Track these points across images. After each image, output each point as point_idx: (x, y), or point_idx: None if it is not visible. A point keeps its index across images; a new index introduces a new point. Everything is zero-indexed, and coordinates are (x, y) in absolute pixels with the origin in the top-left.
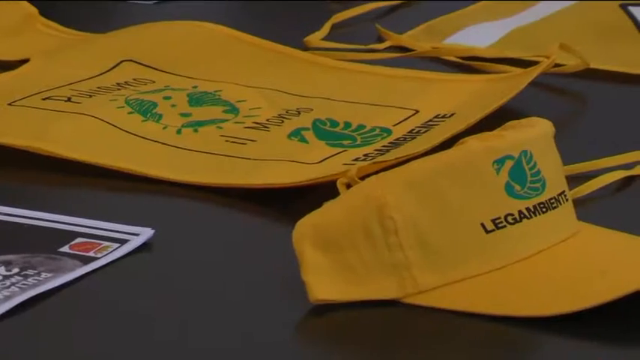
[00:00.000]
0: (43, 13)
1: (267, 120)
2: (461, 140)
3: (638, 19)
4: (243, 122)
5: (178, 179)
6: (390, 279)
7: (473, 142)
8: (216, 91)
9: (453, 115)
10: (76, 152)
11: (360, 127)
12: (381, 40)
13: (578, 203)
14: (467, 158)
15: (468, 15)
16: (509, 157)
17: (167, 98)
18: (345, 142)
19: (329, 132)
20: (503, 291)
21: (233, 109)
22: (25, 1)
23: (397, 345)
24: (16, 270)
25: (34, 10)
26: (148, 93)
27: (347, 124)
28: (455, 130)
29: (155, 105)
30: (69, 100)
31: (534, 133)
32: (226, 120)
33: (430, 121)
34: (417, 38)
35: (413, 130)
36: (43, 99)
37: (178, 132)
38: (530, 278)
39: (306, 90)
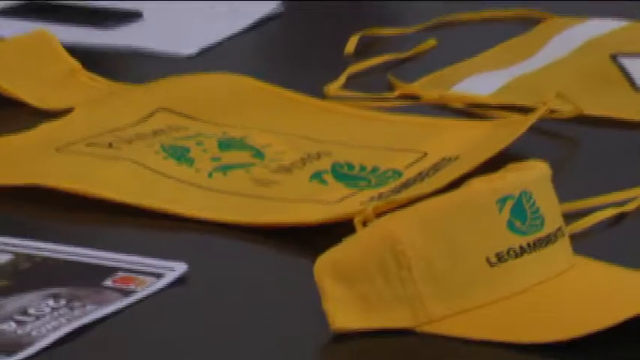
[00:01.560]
0: (87, 66)
1: (291, 163)
2: (466, 181)
3: (627, 69)
4: (269, 166)
5: (210, 218)
6: (404, 309)
7: (477, 183)
8: (243, 137)
9: (458, 157)
10: (116, 194)
11: (375, 169)
12: (392, 89)
13: (574, 238)
14: (472, 198)
15: (471, 65)
16: (511, 196)
17: (199, 144)
18: (361, 184)
19: (346, 174)
20: (507, 319)
21: (259, 154)
22: (71, 57)
23: None
24: (63, 302)
25: (78, 64)
26: (181, 139)
27: (362, 167)
28: (461, 172)
29: (188, 150)
30: (110, 146)
31: (533, 175)
32: (253, 164)
33: (438, 163)
34: (426, 87)
35: (422, 172)
36: (87, 145)
37: (209, 175)
38: (532, 307)
39: (325, 135)
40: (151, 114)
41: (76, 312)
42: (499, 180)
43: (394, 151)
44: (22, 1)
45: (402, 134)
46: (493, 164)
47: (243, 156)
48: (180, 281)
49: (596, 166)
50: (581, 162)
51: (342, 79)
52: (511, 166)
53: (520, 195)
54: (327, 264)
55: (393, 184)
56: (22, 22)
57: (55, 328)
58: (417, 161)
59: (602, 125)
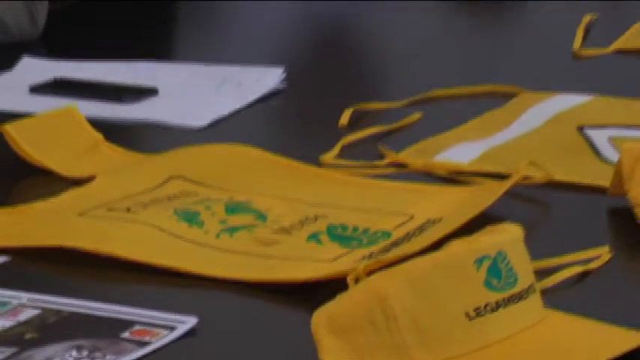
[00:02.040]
0: (108, 138)
1: (290, 225)
2: (448, 242)
3: (592, 140)
4: (270, 227)
5: (218, 275)
6: (392, 357)
7: (457, 245)
8: (248, 202)
9: (441, 219)
10: (134, 254)
11: (366, 230)
12: (382, 157)
13: (544, 293)
14: (453, 258)
15: (452, 136)
16: (487, 257)
17: (208, 208)
18: (354, 243)
19: (340, 235)
20: None
21: (262, 217)
22: (94, 129)
23: None
24: (85, 353)
25: (100, 136)
26: (192, 204)
27: (355, 229)
28: (444, 233)
29: (198, 214)
30: (128, 210)
31: (507, 237)
32: (256, 226)
33: (423, 224)
34: (412, 156)
35: (409, 232)
36: (108, 210)
37: (217, 236)
38: (507, 357)
39: (321, 200)
40: (166, 181)
41: None
42: (477, 242)
43: (384, 214)
44: (51, 79)
45: (390, 199)
46: (472, 226)
47: (247, 218)
48: (191, 333)
49: (565, 228)
50: (551, 224)
51: (337, 148)
52: (488, 229)
53: (496, 256)
54: (322, 318)
55: (382, 244)
56: (51, 98)
57: None
58: (404, 223)
59: (570, 190)
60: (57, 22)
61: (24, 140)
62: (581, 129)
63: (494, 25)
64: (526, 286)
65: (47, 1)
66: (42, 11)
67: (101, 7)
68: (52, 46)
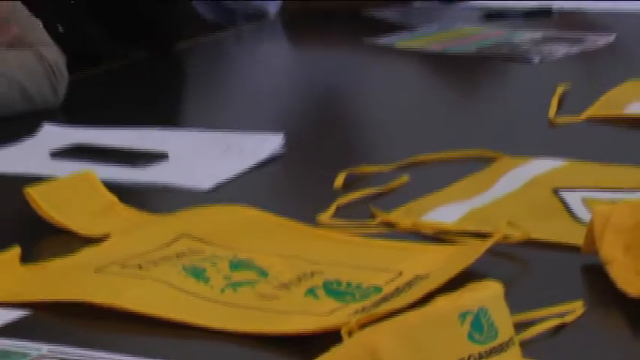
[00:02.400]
0: (122, 199)
1: (289, 281)
2: (434, 298)
3: (566, 201)
4: (271, 283)
5: (221, 327)
6: None
7: (443, 300)
8: (250, 259)
9: (428, 276)
10: (145, 308)
11: (359, 285)
12: (373, 217)
13: (523, 345)
14: (439, 313)
15: (437, 198)
16: (470, 312)
17: (213, 265)
18: (348, 298)
19: (335, 290)
20: None
21: (263, 273)
22: (108, 192)
23: None
24: None
25: (114, 198)
26: (199, 261)
27: (349, 284)
28: (430, 288)
29: (205, 270)
30: (140, 267)
31: (489, 294)
32: (258, 282)
33: (411, 280)
34: (401, 216)
35: (398, 288)
36: (121, 267)
37: (222, 291)
38: None
39: (318, 257)
40: (175, 240)
41: None
42: (461, 298)
43: (375, 270)
44: (70, 145)
45: (381, 256)
46: (457, 282)
47: (250, 275)
48: None
49: (541, 283)
50: (529, 279)
51: (332, 209)
52: (471, 286)
53: (478, 311)
54: None
55: (374, 299)
56: (70, 162)
57: None
58: (394, 279)
59: (546, 248)
60: (76, 91)
61: (45, 202)
62: (556, 191)
63: (476, 93)
64: (506, 338)
65: (67, 73)
66: (62, 82)
67: (116, 78)
68: (71, 114)
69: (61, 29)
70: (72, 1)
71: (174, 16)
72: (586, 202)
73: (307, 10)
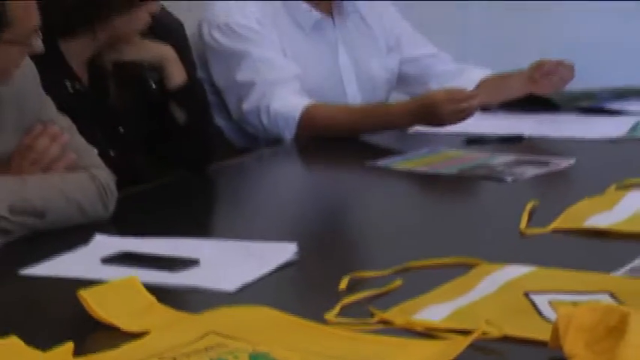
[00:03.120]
0: (160, 300)
1: None
2: None
3: (535, 303)
4: None
5: None
6: None
7: None
8: (268, 352)
9: None
10: None
11: None
12: (373, 316)
13: None
14: None
15: (427, 299)
16: None
17: (235, 357)
18: None
19: None
20: None
21: None
22: (148, 293)
23: None
24: None
25: (153, 299)
26: (224, 353)
27: None
28: None
29: None
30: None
31: None
32: None
33: None
34: (396, 315)
35: None
36: (158, 359)
37: None
38: None
39: (325, 351)
40: (204, 335)
41: None
42: None
43: None
44: (117, 253)
45: (379, 351)
46: None
47: None
48: None
49: None
50: None
51: (337, 308)
52: None
53: None
54: None
55: None
56: (117, 267)
57: None
58: None
59: (518, 344)
60: (123, 206)
61: (94, 303)
62: (526, 294)
63: (458, 207)
64: None
65: (116, 191)
66: (112, 199)
67: (157, 195)
68: (119, 225)
69: (112, 154)
70: (121, 131)
71: (206, 143)
72: (552, 304)
73: (317, 137)
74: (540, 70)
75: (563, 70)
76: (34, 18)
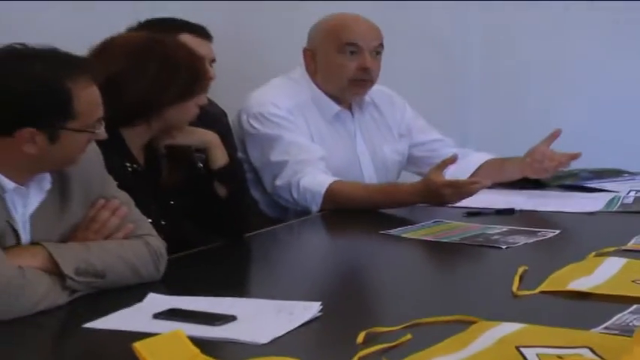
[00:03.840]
0: (203, 351)
1: None
2: None
3: (525, 356)
4: None
5: None
6: None
7: None
8: None
9: None
10: None
11: None
12: None
13: None
14: None
15: (431, 352)
16: None
17: None
18: None
19: None
20: None
21: None
22: (192, 344)
23: None
24: None
25: (197, 350)
26: None
27: None
28: None
29: None
30: None
31: None
32: None
33: None
34: None
35: None
36: None
37: None
38: None
39: None
40: None
41: None
42: None
43: None
44: (167, 309)
45: None
46: None
47: None
48: None
49: None
50: None
51: None
52: None
53: None
54: None
55: None
56: (167, 322)
57: None
58: None
59: None
60: (172, 268)
61: (147, 353)
62: (518, 348)
63: (460, 271)
64: None
65: (166, 255)
66: (162, 262)
67: (201, 258)
68: (169, 285)
69: (163, 223)
70: (172, 204)
71: (243, 215)
72: (540, 356)
73: (339, 209)
74: (533, 156)
75: (567, 160)
76: (98, 111)
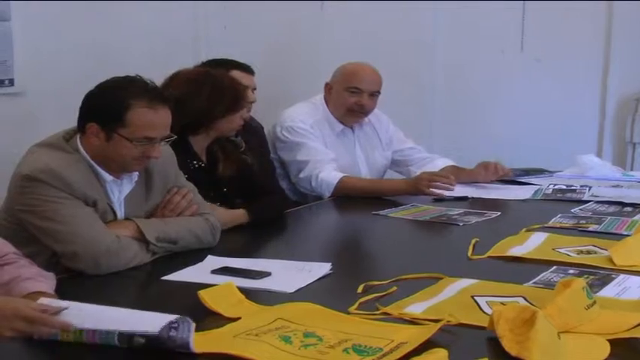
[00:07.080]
0: (246, 296)
1: (334, 344)
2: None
3: (478, 302)
4: (324, 344)
5: None
6: None
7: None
8: (314, 331)
9: (407, 342)
10: (258, 357)
11: (371, 347)
12: (378, 309)
13: None
14: None
15: (412, 299)
16: None
17: (295, 334)
18: (364, 354)
19: (358, 350)
20: None
21: (320, 339)
22: (239, 292)
23: None
24: None
25: (242, 296)
26: (287, 332)
27: (365, 346)
28: (408, 350)
29: (289, 337)
30: (257, 335)
31: (440, 356)
32: (318, 344)
33: (398, 345)
34: (392, 309)
35: (392, 349)
36: (246, 335)
37: (299, 349)
38: None
39: (349, 331)
40: (274, 320)
41: None
42: (425, 357)
43: (378, 339)
44: (221, 267)
45: (382, 331)
46: (422, 347)
47: (313, 340)
48: None
49: (466, 346)
50: (459, 343)
51: (356, 304)
52: (430, 350)
53: None
54: None
55: (379, 355)
56: (221, 276)
57: None
58: (389, 344)
59: (468, 328)
60: (224, 238)
61: (207, 298)
62: (473, 297)
63: (431, 242)
64: None
65: (220, 229)
66: (218, 233)
67: (246, 230)
68: (222, 250)
69: (219, 204)
70: (225, 191)
71: (279, 200)
72: (489, 303)
73: (345, 196)
74: (481, 167)
75: (502, 171)
76: (149, 130)
